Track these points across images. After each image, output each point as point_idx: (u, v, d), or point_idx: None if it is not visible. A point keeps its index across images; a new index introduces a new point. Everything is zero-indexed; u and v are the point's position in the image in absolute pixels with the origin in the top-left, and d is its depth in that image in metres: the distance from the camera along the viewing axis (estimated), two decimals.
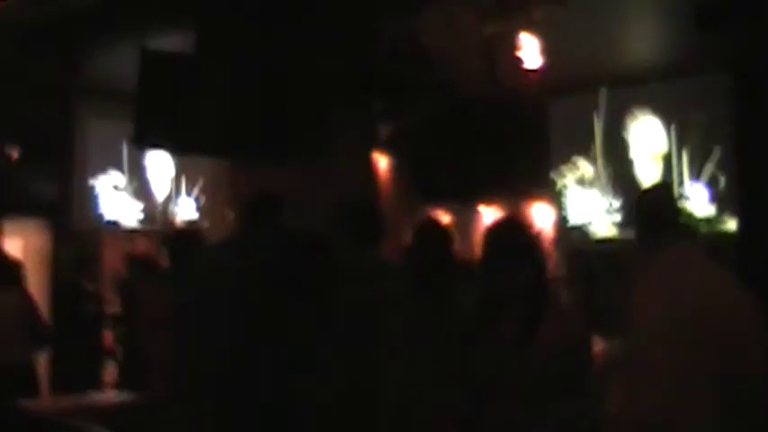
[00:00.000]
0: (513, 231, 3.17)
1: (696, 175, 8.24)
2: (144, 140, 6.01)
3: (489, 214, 9.42)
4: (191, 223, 9.96)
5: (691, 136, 8.29)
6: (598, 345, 5.32)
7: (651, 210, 3.10)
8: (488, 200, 9.24)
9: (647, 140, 8.60)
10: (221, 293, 3.99)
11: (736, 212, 7.92)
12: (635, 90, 8.59)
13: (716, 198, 8.09)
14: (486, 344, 3.06)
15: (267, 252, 3.96)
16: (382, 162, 8.16)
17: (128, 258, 7.45)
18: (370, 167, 7.76)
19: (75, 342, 7.93)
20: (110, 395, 6.57)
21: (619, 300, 3.13)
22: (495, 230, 3.21)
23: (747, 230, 7.75)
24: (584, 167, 8.95)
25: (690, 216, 8.02)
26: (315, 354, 3.90)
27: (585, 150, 8.89)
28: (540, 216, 9.20)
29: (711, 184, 8.15)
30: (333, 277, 3.93)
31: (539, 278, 3.03)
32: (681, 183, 8.24)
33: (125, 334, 7.27)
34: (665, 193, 3.40)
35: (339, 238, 4.11)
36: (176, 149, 7.78)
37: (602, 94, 8.74)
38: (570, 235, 8.95)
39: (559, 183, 9.05)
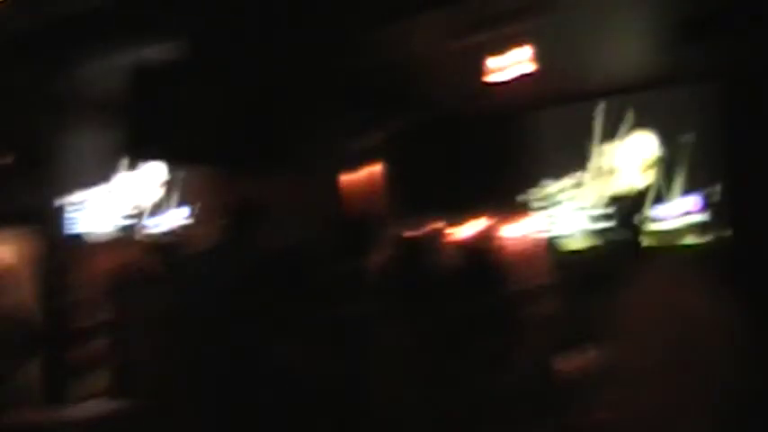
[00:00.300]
0: (477, 252, 3.22)
1: (685, 185, 8.29)
2: (132, 151, 6.03)
3: (475, 226, 9.46)
4: (178, 232, 9.96)
5: (679, 146, 8.35)
6: (579, 355, 5.35)
7: (632, 221, 3.12)
8: (474, 212, 9.27)
9: (635, 151, 8.64)
10: (208, 300, 4.01)
11: (726, 222, 8.01)
12: (622, 101, 8.63)
13: (705, 208, 8.14)
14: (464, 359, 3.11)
15: (252, 260, 3.98)
16: (366, 173, 8.19)
17: (117, 266, 7.45)
18: (353, 178, 7.79)
19: (64, 351, 7.92)
20: (100, 404, 6.56)
21: (600, 309, 3.14)
22: (463, 250, 3.26)
23: (736, 239, 7.86)
24: (571, 178, 8.99)
25: (673, 227, 8.08)
26: (302, 359, 3.92)
27: (572, 162, 8.94)
28: (525, 228, 9.24)
29: (701, 193, 8.20)
30: (318, 287, 3.96)
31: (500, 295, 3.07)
32: (669, 194, 8.28)
33: (115, 341, 7.25)
34: (645, 204, 3.50)
35: (326, 249, 4.15)
36: (164, 160, 7.80)
37: (590, 105, 8.78)
38: (555, 245, 8.98)
39: (545, 194, 9.08)
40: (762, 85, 7.53)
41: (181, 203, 10.33)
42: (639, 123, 8.52)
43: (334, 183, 7.27)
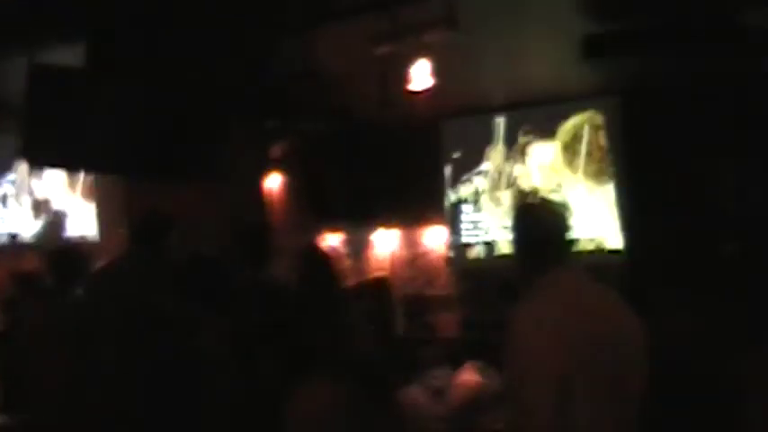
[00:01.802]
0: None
1: (584, 196, 8.49)
2: (32, 156, 5.85)
3: (384, 236, 9.51)
4: (81, 241, 9.71)
5: (581, 156, 8.55)
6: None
7: (529, 230, 3.02)
8: (383, 221, 9.32)
9: (539, 161, 8.81)
10: (107, 315, 3.93)
11: (623, 229, 8.25)
12: (527, 112, 8.81)
13: (604, 215, 8.36)
14: None
15: (153, 275, 3.92)
16: (276, 181, 8.15)
17: (13, 276, 7.21)
18: (263, 187, 7.74)
19: None
20: None
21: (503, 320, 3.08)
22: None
23: (632, 246, 8.08)
24: (479, 187, 9.11)
25: (573, 236, 8.25)
26: (204, 373, 3.87)
27: (480, 170, 9.06)
28: (434, 237, 9.33)
29: (601, 202, 8.41)
30: (221, 297, 3.93)
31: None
32: (571, 202, 8.47)
33: (8, 354, 7.01)
34: (543, 212, 3.20)
35: (229, 260, 4.12)
36: (64, 166, 7.59)
37: (496, 117, 8.94)
38: (463, 254, 9.09)
39: (454, 203, 9.18)
40: (657, 101, 7.80)
41: (84, 213, 10.09)
42: (541, 135, 8.72)
43: (243, 192, 7.21)
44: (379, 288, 7.21)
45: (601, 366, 2.79)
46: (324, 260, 3.91)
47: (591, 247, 8.28)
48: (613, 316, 2.91)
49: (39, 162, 7.57)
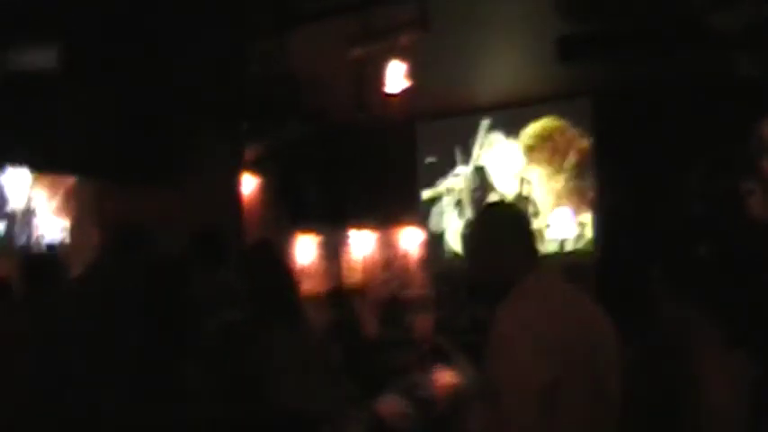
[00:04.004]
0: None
1: (556, 198, 8.53)
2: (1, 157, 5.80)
3: (359, 238, 9.50)
4: (50, 246, 9.59)
5: (552, 159, 8.58)
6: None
7: (497, 231, 2.94)
8: (358, 223, 9.31)
9: (510, 163, 8.84)
10: (77, 324, 3.89)
11: (593, 234, 8.28)
12: (500, 114, 8.83)
13: (576, 218, 8.39)
14: None
15: (124, 282, 3.88)
16: (251, 183, 8.11)
17: None
18: (237, 190, 7.71)
19: None
20: None
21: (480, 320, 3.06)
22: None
23: (606, 249, 8.11)
24: (454, 189, 9.12)
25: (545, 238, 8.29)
26: (177, 381, 3.84)
27: (455, 171, 9.08)
28: (409, 239, 9.33)
29: (571, 203, 8.45)
30: (189, 304, 3.89)
31: None
32: (541, 203, 8.50)
33: None
34: (510, 213, 3.08)
35: (190, 264, 4.09)
36: (33, 167, 7.50)
37: (471, 118, 8.95)
38: (439, 255, 9.10)
39: (429, 204, 9.19)
40: (629, 102, 7.85)
41: (53, 216, 9.96)
42: (513, 136, 8.75)
43: (216, 195, 7.16)
44: (342, 296, 7.21)
45: (583, 372, 2.79)
46: (273, 259, 3.75)
47: (564, 247, 8.31)
48: (592, 321, 2.90)
49: (7, 163, 7.49)
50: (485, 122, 8.92)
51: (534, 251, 2.95)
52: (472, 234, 3.09)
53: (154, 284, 3.90)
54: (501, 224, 3.01)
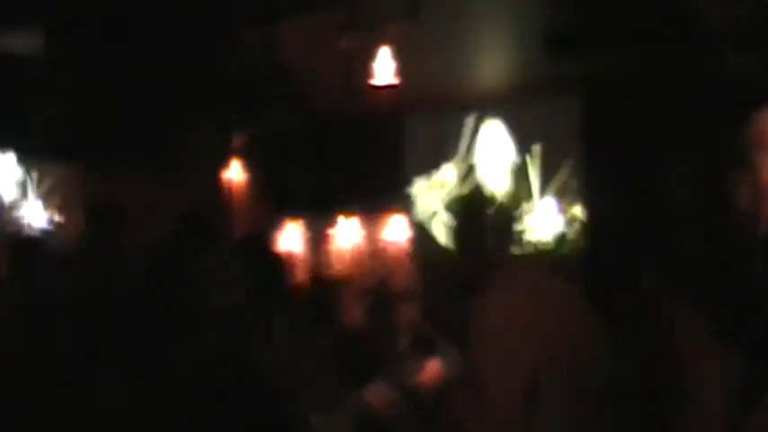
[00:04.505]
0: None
1: (546, 188, 8.53)
2: None
3: (346, 227, 9.47)
4: (34, 229, 9.54)
5: (541, 151, 8.58)
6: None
7: (479, 221, 2.97)
8: (344, 212, 9.28)
9: (500, 155, 8.84)
10: (63, 305, 3.87)
11: (581, 230, 8.29)
12: (489, 106, 8.82)
13: (562, 211, 8.40)
14: None
15: (107, 265, 3.87)
16: (237, 171, 8.09)
17: None
18: (222, 177, 7.69)
19: None
20: None
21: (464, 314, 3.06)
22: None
23: (590, 247, 8.13)
24: (442, 181, 9.11)
25: (533, 234, 8.29)
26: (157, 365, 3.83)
27: (438, 167, 9.07)
28: (396, 229, 9.30)
29: (560, 197, 8.45)
30: (173, 288, 3.88)
31: None
32: (530, 196, 8.51)
33: None
34: (490, 204, 3.17)
35: (175, 250, 4.08)
36: (18, 152, 7.46)
37: (460, 111, 8.94)
38: (426, 245, 9.09)
39: (416, 196, 9.17)
40: (619, 98, 7.85)
41: (36, 201, 9.90)
42: (503, 131, 8.73)
43: (202, 182, 7.14)
44: (325, 284, 7.21)
45: (565, 361, 2.79)
46: (267, 252, 3.78)
47: (549, 240, 8.32)
48: (578, 313, 2.92)
49: None
50: (474, 115, 8.90)
51: (516, 242, 2.96)
52: (456, 225, 3.11)
53: (138, 266, 3.90)
54: (483, 215, 3.02)
